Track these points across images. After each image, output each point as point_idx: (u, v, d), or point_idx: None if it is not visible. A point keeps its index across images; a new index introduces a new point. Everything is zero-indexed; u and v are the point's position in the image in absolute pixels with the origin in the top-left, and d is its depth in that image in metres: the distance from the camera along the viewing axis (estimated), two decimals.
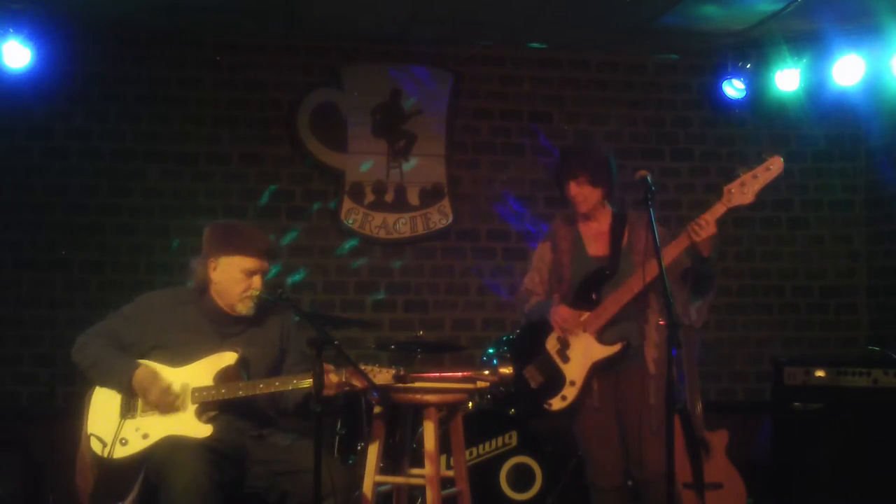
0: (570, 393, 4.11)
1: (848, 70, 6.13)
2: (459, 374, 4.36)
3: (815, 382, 5.57)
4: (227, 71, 6.31)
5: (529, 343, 4.26)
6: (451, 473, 4.21)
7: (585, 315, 4.09)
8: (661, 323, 3.96)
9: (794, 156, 6.82)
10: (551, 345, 4.17)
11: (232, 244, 3.87)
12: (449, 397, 4.15)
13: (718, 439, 5.39)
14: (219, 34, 6.26)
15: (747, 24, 6.03)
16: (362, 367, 3.69)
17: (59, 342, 3.96)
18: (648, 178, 3.91)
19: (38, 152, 6.11)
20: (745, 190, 3.91)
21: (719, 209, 3.92)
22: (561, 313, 4.11)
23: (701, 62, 6.71)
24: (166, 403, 3.70)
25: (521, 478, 5.28)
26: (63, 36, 5.84)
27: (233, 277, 3.84)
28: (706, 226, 3.89)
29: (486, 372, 5.00)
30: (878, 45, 6.03)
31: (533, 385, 4.21)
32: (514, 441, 5.29)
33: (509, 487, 5.27)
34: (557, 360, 4.15)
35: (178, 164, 6.24)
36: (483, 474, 5.20)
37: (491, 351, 5.54)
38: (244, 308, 3.85)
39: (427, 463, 4.03)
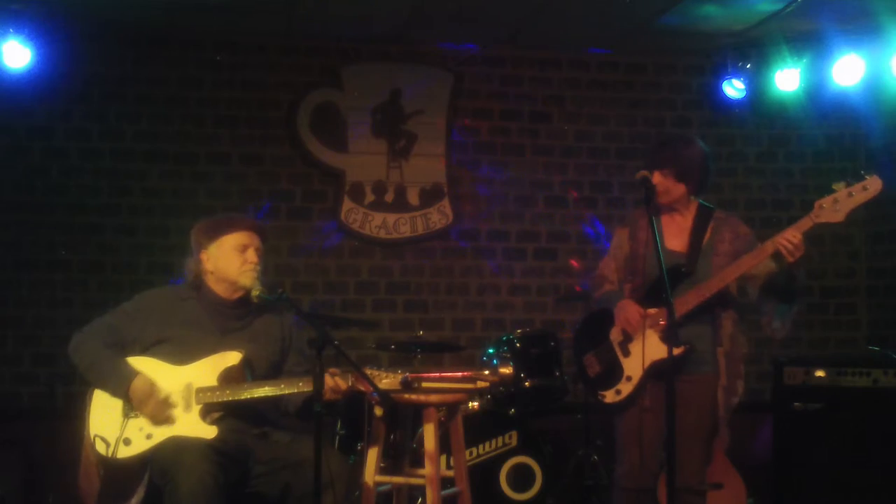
0: (625, 388, 4.02)
1: (848, 70, 6.13)
2: (459, 374, 4.36)
3: (815, 382, 5.57)
4: (227, 71, 6.32)
5: (594, 330, 4.18)
6: (451, 473, 4.21)
7: (654, 311, 3.96)
8: (662, 323, 3.90)
9: (794, 156, 6.83)
10: (615, 335, 4.08)
11: (217, 228, 3.92)
12: (449, 397, 4.15)
13: (718, 439, 5.38)
14: (219, 34, 6.26)
15: (747, 24, 6.04)
16: (368, 372, 3.68)
17: (59, 342, 3.94)
18: (649, 178, 3.91)
19: (38, 152, 6.11)
20: (837, 207, 3.77)
21: (806, 224, 3.79)
22: (626, 313, 4.00)
23: (701, 62, 6.72)
24: (161, 417, 3.70)
25: (521, 478, 5.28)
26: (63, 36, 5.84)
27: (226, 257, 3.86)
28: (799, 245, 3.75)
29: (486, 372, 5.00)
30: (878, 45, 6.03)
31: (590, 373, 4.14)
32: (514, 441, 5.29)
33: (509, 487, 5.27)
34: (618, 352, 4.06)
35: (178, 164, 6.24)
36: (483, 474, 5.20)
37: (491, 351, 5.54)
38: (247, 280, 3.83)
39: (427, 463, 4.03)
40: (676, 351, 3.78)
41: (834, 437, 5.43)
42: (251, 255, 3.88)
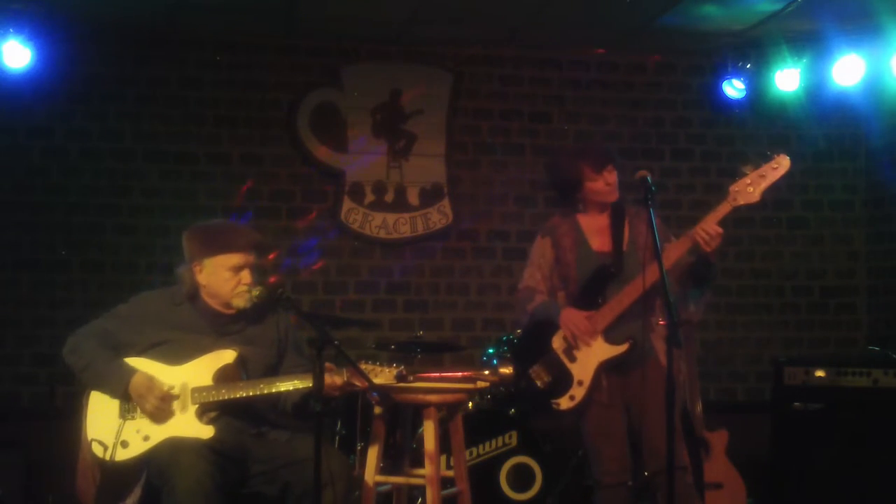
0: (578, 393, 4.05)
1: (848, 70, 6.13)
2: (459, 374, 4.36)
3: (815, 382, 5.57)
4: (227, 71, 6.32)
5: (534, 342, 4.19)
6: (451, 473, 4.21)
7: (590, 314, 4.02)
8: (661, 323, 3.93)
9: (794, 156, 6.63)
10: (558, 344, 4.11)
11: (213, 244, 3.83)
12: (449, 397, 4.15)
13: (718, 439, 5.39)
14: (219, 34, 6.26)
15: (747, 24, 6.04)
16: (363, 366, 3.68)
17: (59, 342, 3.93)
18: (648, 178, 3.89)
19: (38, 152, 6.11)
20: (751, 189, 3.83)
21: (724, 209, 3.85)
22: (573, 319, 4.03)
23: (701, 62, 6.72)
24: (163, 413, 3.69)
25: (521, 478, 5.28)
26: (63, 36, 5.84)
27: (221, 277, 3.80)
28: (715, 236, 3.82)
29: (486, 372, 5.00)
30: (878, 45, 6.03)
31: (539, 384, 4.14)
32: (514, 441, 5.29)
33: (509, 487, 5.27)
34: (564, 359, 4.09)
35: (178, 164, 6.24)
36: (483, 474, 5.19)
37: (491, 351, 5.54)
38: (241, 301, 3.81)
39: (427, 463, 4.03)
40: (622, 348, 3.95)
41: (834, 437, 5.44)
42: (246, 276, 3.82)
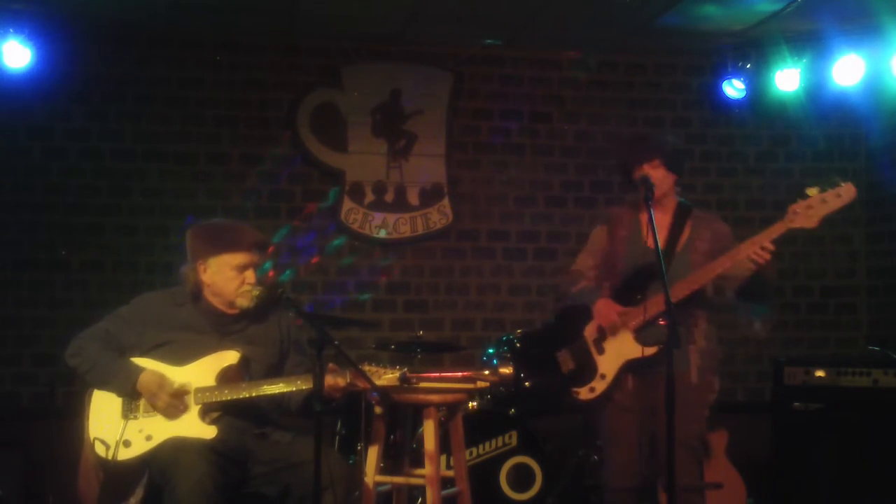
0: (599, 386, 4.02)
1: (848, 70, 6.13)
2: (459, 374, 4.36)
3: (815, 382, 5.57)
4: (227, 71, 6.31)
5: (568, 327, 4.16)
6: (451, 473, 4.21)
7: (625, 310, 3.96)
8: (662, 322, 3.86)
9: (794, 156, 6.83)
10: (589, 332, 4.07)
11: (218, 243, 3.83)
12: (449, 397, 4.15)
13: (718, 439, 5.39)
14: (219, 34, 6.25)
15: (747, 24, 6.03)
16: (367, 368, 3.68)
17: (59, 342, 3.93)
18: (649, 178, 3.91)
19: (38, 152, 6.11)
20: (810, 213, 3.75)
21: (779, 229, 3.79)
22: (605, 311, 3.99)
23: (701, 62, 6.72)
24: (175, 409, 3.69)
25: (521, 478, 5.28)
26: (63, 36, 5.84)
27: (225, 276, 3.81)
28: (764, 252, 3.76)
29: (486, 372, 5.02)
30: (878, 45, 6.03)
31: (563, 370, 4.13)
32: (514, 441, 5.29)
33: (509, 487, 5.27)
34: (593, 349, 4.05)
35: (178, 164, 6.24)
36: (483, 474, 5.20)
37: (491, 351, 5.54)
38: (245, 301, 3.81)
39: (427, 463, 4.03)
40: (649, 351, 3.84)
41: (834, 437, 5.44)
42: (250, 275, 3.83)
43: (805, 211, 3.77)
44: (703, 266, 3.91)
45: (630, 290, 4.00)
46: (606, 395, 4.03)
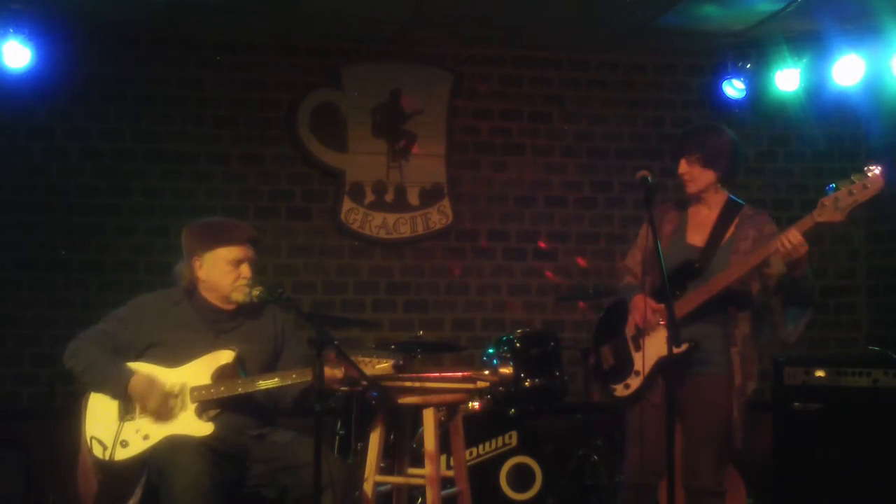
0: (633, 382, 4.00)
1: (848, 70, 6.13)
2: (459, 374, 4.35)
3: (815, 382, 5.57)
4: (227, 71, 6.32)
5: (612, 322, 4.16)
6: (451, 473, 4.20)
7: (661, 306, 3.88)
8: (662, 323, 3.86)
9: (794, 156, 6.83)
10: (629, 329, 4.07)
11: (213, 238, 3.87)
12: (449, 397, 4.14)
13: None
14: (219, 34, 6.26)
15: (747, 24, 6.04)
16: (360, 358, 3.69)
17: (59, 342, 3.94)
18: (649, 178, 3.88)
19: (38, 152, 6.11)
20: (838, 206, 3.68)
21: (808, 223, 3.72)
22: (639, 306, 3.97)
23: (701, 62, 6.72)
24: (166, 411, 3.70)
25: (521, 478, 5.28)
26: (63, 36, 5.84)
27: (220, 270, 3.84)
28: (798, 245, 3.67)
29: (486, 372, 5.00)
30: (878, 45, 6.03)
31: (605, 366, 4.12)
32: (514, 441, 5.29)
33: (509, 487, 5.27)
34: (631, 346, 4.05)
35: (178, 164, 6.24)
36: (483, 474, 5.20)
37: (491, 351, 5.54)
38: (240, 295, 3.83)
39: (427, 463, 4.03)
40: (676, 350, 3.72)
41: (834, 437, 5.44)
42: (245, 269, 3.85)
43: (833, 204, 3.71)
44: (734, 265, 3.87)
45: (669, 285, 3.89)
46: (640, 392, 4.00)
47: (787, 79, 6.29)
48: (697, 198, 4.07)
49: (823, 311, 6.78)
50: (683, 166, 4.02)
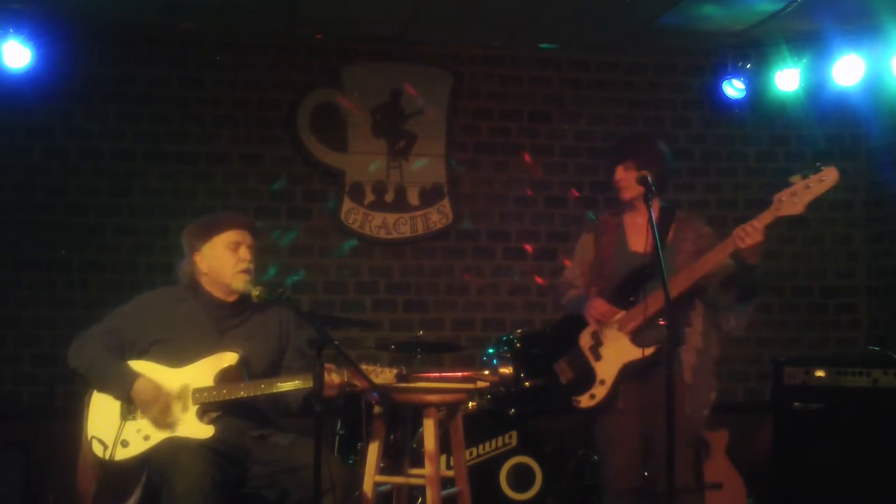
0: (599, 392, 4.04)
1: (848, 70, 6.13)
2: (459, 374, 4.36)
3: (815, 382, 5.58)
4: (227, 71, 6.31)
5: (563, 337, 4.19)
6: (451, 473, 4.21)
7: (621, 314, 4.00)
8: (662, 322, 3.88)
9: (794, 156, 6.83)
10: (584, 341, 4.10)
11: (210, 229, 3.91)
12: (449, 397, 4.15)
13: (718, 439, 5.39)
14: (219, 34, 6.26)
15: (747, 24, 6.03)
16: (364, 367, 3.69)
17: (59, 342, 3.95)
18: (649, 178, 3.90)
19: (38, 152, 6.11)
20: (795, 200, 3.75)
21: (767, 217, 3.77)
22: (597, 306, 4.03)
23: (701, 62, 6.71)
24: (165, 421, 3.70)
25: (521, 478, 5.28)
26: (63, 36, 5.83)
27: (219, 256, 3.85)
28: (752, 232, 3.74)
29: (486, 372, 5.01)
30: (878, 45, 6.03)
31: (563, 380, 4.14)
32: (514, 441, 5.29)
33: (509, 487, 5.27)
34: (589, 356, 4.08)
35: (178, 164, 6.23)
36: (483, 474, 5.20)
37: (491, 351, 5.54)
38: (240, 283, 3.83)
39: (427, 463, 4.03)
40: (648, 351, 3.86)
41: (834, 437, 5.44)
42: (244, 252, 3.87)
43: (790, 198, 3.78)
44: (690, 266, 3.92)
45: (620, 293, 4.04)
46: (608, 400, 4.05)
47: (787, 79, 6.29)
48: (632, 205, 4.12)
49: (823, 311, 6.79)
50: (619, 173, 4.09)
